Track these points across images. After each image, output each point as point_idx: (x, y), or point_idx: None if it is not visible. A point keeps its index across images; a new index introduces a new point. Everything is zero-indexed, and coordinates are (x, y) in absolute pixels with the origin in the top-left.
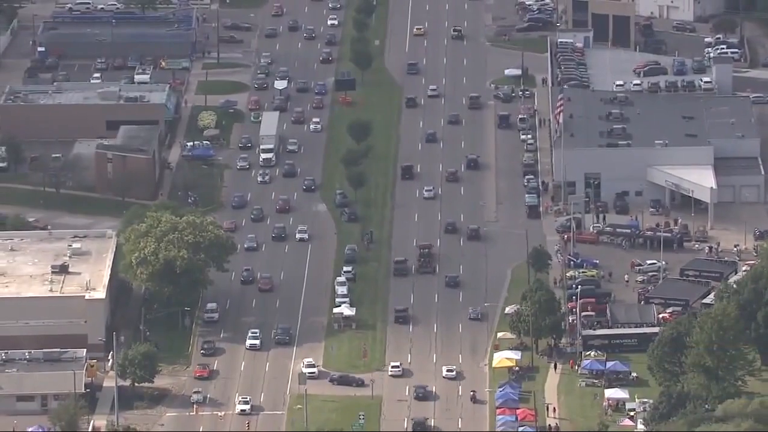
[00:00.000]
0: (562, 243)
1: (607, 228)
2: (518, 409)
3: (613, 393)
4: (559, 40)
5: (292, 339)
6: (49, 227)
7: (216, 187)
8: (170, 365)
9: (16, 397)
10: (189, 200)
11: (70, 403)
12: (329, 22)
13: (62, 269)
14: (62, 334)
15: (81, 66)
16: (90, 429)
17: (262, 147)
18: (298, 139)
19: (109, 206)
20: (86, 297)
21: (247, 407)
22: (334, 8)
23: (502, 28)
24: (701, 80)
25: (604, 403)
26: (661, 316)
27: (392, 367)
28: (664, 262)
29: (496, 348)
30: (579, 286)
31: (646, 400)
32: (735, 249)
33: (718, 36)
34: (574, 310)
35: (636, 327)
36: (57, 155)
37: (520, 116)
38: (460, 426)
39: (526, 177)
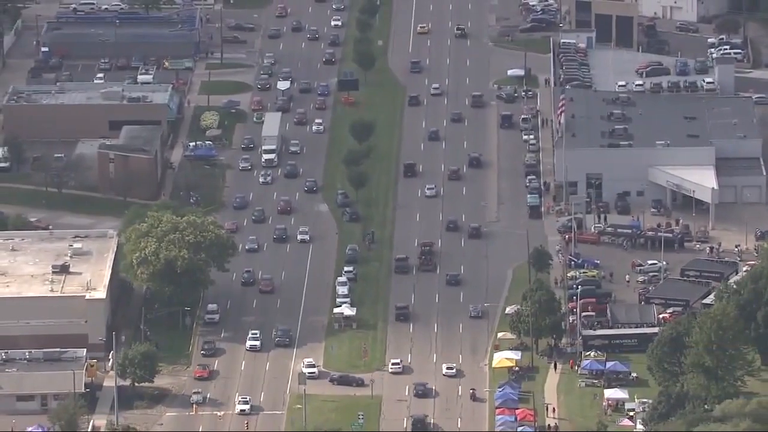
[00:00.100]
0: (563, 243)
1: (609, 228)
2: (517, 409)
3: (613, 393)
4: (562, 40)
5: (292, 341)
6: (50, 227)
7: (218, 187)
8: (171, 365)
9: (16, 396)
10: (191, 200)
11: (69, 402)
12: (333, 23)
13: (63, 269)
14: (63, 333)
15: (84, 66)
16: (90, 428)
17: (264, 148)
18: (301, 140)
19: (111, 206)
20: (87, 297)
21: (246, 407)
22: (337, 9)
23: (506, 28)
24: (704, 81)
25: (604, 403)
26: (661, 316)
27: (392, 364)
28: (664, 263)
29: (496, 348)
30: (580, 287)
31: (645, 400)
32: (736, 249)
33: (721, 36)
34: (574, 310)
35: (636, 327)
36: (59, 155)
37: (522, 116)
38: (459, 426)
39: (528, 177)
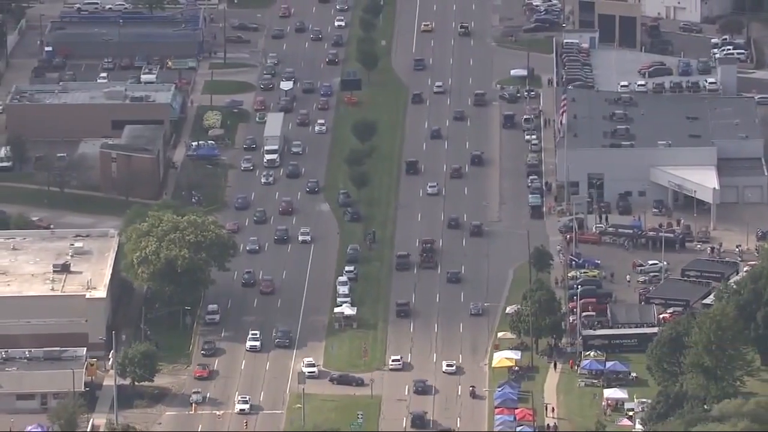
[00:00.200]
0: (564, 243)
1: (610, 228)
2: (517, 408)
3: (612, 393)
4: (565, 40)
5: (292, 342)
6: (51, 226)
7: (220, 186)
8: (171, 364)
9: (16, 395)
10: (193, 200)
11: (68, 401)
12: (336, 24)
13: (64, 268)
14: (63, 333)
15: (88, 66)
16: (89, 428)
17: (266, 148)
18: (303, 141)
19: (113, 206)
20: (87, 296)
21: (246, 407)
22: (341, 10)
23: (509, 28)
24: (706, 81)
25: (603, 403)
26: (661, 316)
27: (392, 360)
28: (665, 263)
29: (496, 348)
30: (580, 286)
31: (644, 400)
32: (737, 249)
33: (724, 37)
34: (574, 310)
35: (636, 327)
36: (62, 155)
37: (524, 116)
38: (458, 425)
39: (530, 177)
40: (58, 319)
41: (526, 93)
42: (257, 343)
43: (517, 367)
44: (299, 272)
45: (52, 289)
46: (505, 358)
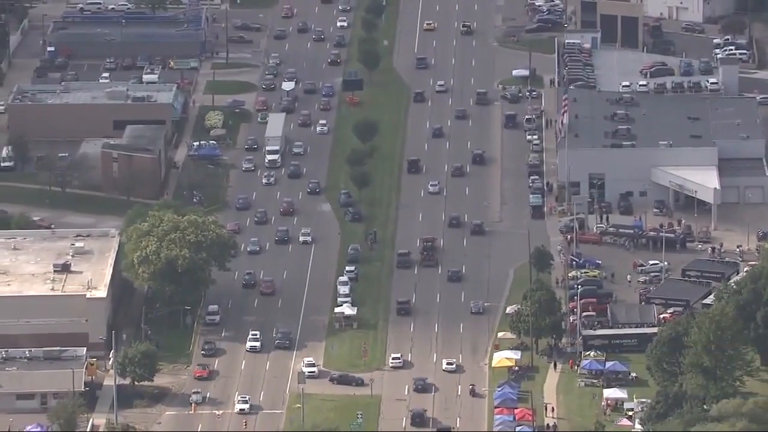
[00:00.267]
0: (565, 243)
1: (611, 228)
2: (516, 408)
3: (612, 393)
4: (567, 40)
5: (292, 343)
6: (52, 226)
7: (221, 186)
8: (171, 364)
9: (16, 395)
10: (194, 200)
11: (68, 401)
12: (339, 24)
13: (64, 268)
14: (63, 332)
15: (90, 66)
16: (89, 427)
17: (267, 149)
18: (305, 141)
19: (115, 205)
20: (87, 296)
21: (245, 406)
22: (344, 10)
23: (512, 29)
24: (707, 81)
25: (603, 403)
26: (661, 316)
27: (393, 358)
28: (666, 263)
29: (497, 348)
30: (581, 287)
31: (644, 400)
32: (738, 250)
33: (726, 37)
34: (575, 310)
35: (636, 327)
36: (63, 154)
37: (526, 117)
38: (458, 424)
39: (531, 177)
40: (58, 318)
41: (527, 93)
42: (257, 344)
43: (517, 367)
44: (300, 273)
45: (53, 289)
46: (505, 358)
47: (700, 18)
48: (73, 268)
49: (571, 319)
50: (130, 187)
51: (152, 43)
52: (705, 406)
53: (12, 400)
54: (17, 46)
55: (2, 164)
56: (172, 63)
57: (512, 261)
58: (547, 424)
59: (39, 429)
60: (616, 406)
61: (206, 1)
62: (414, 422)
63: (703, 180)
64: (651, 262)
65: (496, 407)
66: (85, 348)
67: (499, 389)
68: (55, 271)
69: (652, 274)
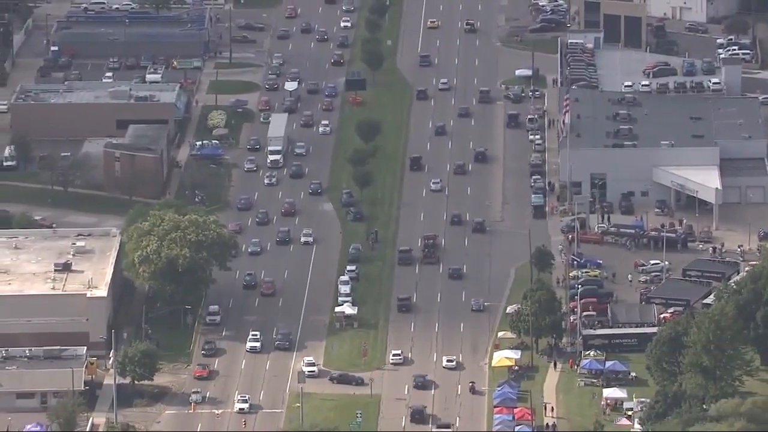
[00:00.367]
0: (566, 243)
1: (612, 228)
2: (516, 408)
3: (612, 392)
4: (570, 40)
5: (292, 344)
6: (54, 225)
7: (223, 186)
8: (171, 363)
9: (16, 394)
10: (196, 199)
11: (68, 400)
12: (342, 24)
13: (65, 267)
14: (64, 331)
15: (94, 65)
16: (89, 426)
17: (269, 149)
18: (307, 142)
19: (117, 205)
20: (88, 295)
21: (245, 406)
22: (347, 11)
23: (515, 28)
24: (710, 81)
25: (603, 403)
26: (662, 316)
27: (393, 355)
28: (667, 263)
29: (497, 347)
30: (581, 286)
31: (643, 399)
32: (739, 250)
33: (730, 37)
34: (575, 309)
35: (636, 327)
36: (66, 154)
37: (528, 116)
38: (458, 424)
39: (533, 177)
40: (59, 318)
41: (530, 93)
42: (257, 344)
43: (516, 367)
44: (301, 273)
45: (53, 288)
46: (505, 357)
47: (704, 18)
48: (73, 268)
49: (571, 318)
50: (132, 186)
51: (155, 43)
52: (704, 406)
53: (12, 399)
54: (21, 46)
55: (5, 164)
56: (175, 63)
57: (513, 260)
58: (547, 424)
59: (39, 428)
60: (616, 405)
61: (210, 1)
62: (414, 419)
63: (705, 180)
64: (652, 261)
65: (495, 407)
66: (86, 347)
67: (499, 389)
68: (55, 270)
69: (653, 273)
